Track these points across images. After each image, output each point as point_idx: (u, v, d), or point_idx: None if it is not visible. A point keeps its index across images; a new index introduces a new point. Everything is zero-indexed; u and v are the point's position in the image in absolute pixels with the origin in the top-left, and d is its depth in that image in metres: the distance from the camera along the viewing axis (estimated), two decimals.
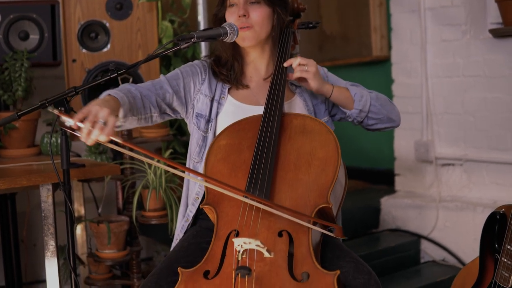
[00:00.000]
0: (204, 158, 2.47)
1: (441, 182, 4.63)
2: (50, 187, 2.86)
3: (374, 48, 5.18)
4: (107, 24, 3.98)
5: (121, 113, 2.29)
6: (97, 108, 2.08)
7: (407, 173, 4.89)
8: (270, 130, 2.36)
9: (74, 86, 2.31)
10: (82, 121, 2.06)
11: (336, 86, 2.57)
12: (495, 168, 4.30)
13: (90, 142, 2.06)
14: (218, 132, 2.54)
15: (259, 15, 2.51)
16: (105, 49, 3.99)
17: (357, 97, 2.57)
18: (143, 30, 4.02)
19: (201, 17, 4.14)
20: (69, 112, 2.30)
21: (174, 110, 2.60)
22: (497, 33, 4.15)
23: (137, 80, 3.91)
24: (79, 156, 3.98)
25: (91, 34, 3.98)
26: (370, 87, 2.71)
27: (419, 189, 4.80)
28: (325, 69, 2.75)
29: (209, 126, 2.57)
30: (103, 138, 2.06)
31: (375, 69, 5.32)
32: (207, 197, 2.33)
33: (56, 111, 2.17)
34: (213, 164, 2.39)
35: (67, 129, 2.21)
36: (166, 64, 4.16)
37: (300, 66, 2.47)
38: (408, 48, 4.76)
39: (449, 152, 4.56)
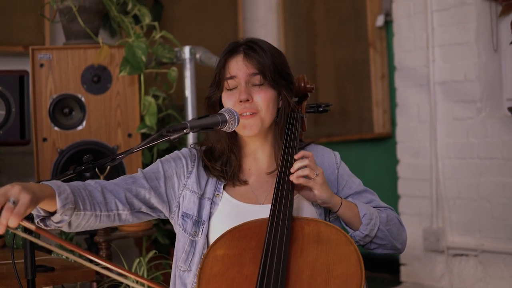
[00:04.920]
0: (192, 267, 2.22)
1: (452, 274, 4.49)
2: None
3: (376, 124, 5.04)
4: (83, 99, 3.75)
5: (58, 203, 1.97)
6: (7, 186, 1.80)
7: (414, 263, 4.72)
8: (279, 239, 2.02)
9: (40, 180, 2.08)
10: None
11: (346, 201, 2.27)
12: None
13: None
14: (211, 236, 2.24)
15: (264, 99, 2.23)
16: (79, 127, 3.75)
17: (365, 220, 2.27)
18: (123, 106, 3.78)
19: (188, 92, 3.91)
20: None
21: (154, 209, 2.29)
22: None
23: (118, 167, 3.69)
24: (49, 252, 3.52)
25: (65, 109, 3.76)
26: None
27: (428, 281, 4.64)
28: (338, 156, 2.45)
29: (200, 229, 2.26)
30: (12, 222, 1.73)
31: (377, 147, 5.19)
32: None
33: None
34: (208, 280, 2.02)
35: None
36: (149, 147, 3.80)
37: (302, 170, 2.14)
38: (415, 126, 4.68)
39: (462, 241, 4.45)
